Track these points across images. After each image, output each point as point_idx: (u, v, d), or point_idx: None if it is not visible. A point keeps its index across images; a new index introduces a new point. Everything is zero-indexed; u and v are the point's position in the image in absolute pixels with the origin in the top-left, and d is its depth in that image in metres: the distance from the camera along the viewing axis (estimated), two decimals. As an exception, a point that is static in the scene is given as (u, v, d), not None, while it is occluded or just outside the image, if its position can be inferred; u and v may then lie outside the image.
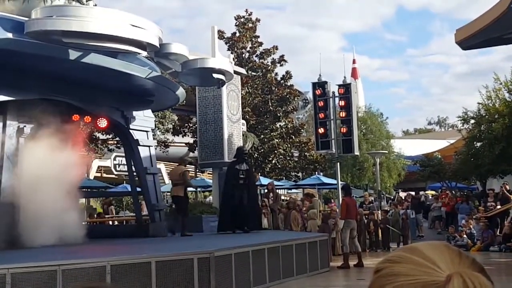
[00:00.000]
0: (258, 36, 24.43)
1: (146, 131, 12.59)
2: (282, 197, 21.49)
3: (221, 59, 13.10)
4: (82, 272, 6.62)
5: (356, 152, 16.91)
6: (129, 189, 16.20)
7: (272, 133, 23.56)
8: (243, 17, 24.39)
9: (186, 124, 24.04)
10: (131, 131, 12.10)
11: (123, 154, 16.49)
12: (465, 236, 15.97)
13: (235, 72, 13.90)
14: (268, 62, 24.29)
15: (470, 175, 23.79)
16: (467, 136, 22.51)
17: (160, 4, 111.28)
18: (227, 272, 7.86)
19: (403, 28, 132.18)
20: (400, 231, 16.71)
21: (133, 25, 8.79)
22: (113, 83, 10.45)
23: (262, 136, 23.06)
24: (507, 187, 17.65)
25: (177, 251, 7.89)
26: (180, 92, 12.46)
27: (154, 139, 15.67)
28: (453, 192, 25.10)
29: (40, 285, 6.33)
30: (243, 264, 8.32)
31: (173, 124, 24.74)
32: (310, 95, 36.04)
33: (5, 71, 9.11)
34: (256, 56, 24.31)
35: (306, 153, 24.49)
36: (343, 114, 15.85)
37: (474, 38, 21.58)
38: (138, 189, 13.00)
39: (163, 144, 24.39)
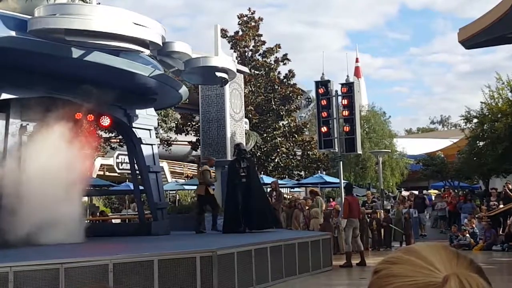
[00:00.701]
0: (261, 35, 24.42)
1: (149, 130, 12.60)
2: (285, 196, 21.48)
3: (224, 58, 13.10)
4: (85, 271, 6.63)
5: (359, 151, 16.88)
6: (132, 187, 16.23)
7: (274, 132, 23.55)
8: (246, 15, 24.38)
9: (189, 123, 24.04)
10: (134, 129, 12.10)
11: (126, 152, 16.53)
12: (467, 235, 15.94)
13: (238, 71, 13.91)
14: (271, 60, 24.28)
15: (473, 174, 23.74)
16: (470, 135, 22.46)
17: (161, 3, 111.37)
18: (229, 271, 7.85)
19: (406, 26, 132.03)
20: (402, 230, 16.69)
21: (136, 24, 8.80)
22: (116, 81, 10.46)
23: (264, 134, 23.05)
24: (510, 186, 17.60)
25: (179, 250, 7.90)
26: (183, 90, 12.46)
27: (157, 137, 15.66)
28: (456, 191, 25.06)
29: (43, 283, 6.34)
30: (246, 263, 8.32)
31: (176, 122, 24.76)
32: (313, 94, 36.05)
33: (8, 69, 9.13)
34: (259, 55, 24.30)
35: (308, 152, 24.47)
36: (346, 113, 15.81)
37: (477, 37, 21.51)
38: (141, 188, 13.01)
39: (166, 142, 24.41)
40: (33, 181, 9.41)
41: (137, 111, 12.14)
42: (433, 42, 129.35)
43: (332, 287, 9.79)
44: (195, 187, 26.81)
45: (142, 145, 12.17)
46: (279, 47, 24.42)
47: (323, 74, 16.54)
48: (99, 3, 17.46)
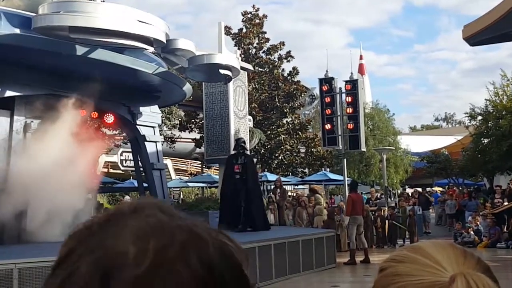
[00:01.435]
0: (265, 32, 24.40)
1: (153, 127, 12.62)
2: (289, 193, 21.49)
3: (228, 55, 13.10)
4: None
5: (363, 149, 16.87)
6: (136, 184, 16.27)
7: (278, 129, 23.54)
8: (250, 13, 24.35)
9: (193, 120, 24.07)
10: (137, 126, 12.12)
11: (130, 150, 16.57)
12: (472, 232, 15.91)
13: (242, 68, 13.89)
14: (275, 58, 24.26)
15: (478, 171, 23.66)
16: (474, 132, 22.39)
17: (165, 0, 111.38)
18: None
19: (410, 23, 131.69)
20: (406, 228, 16.67)
21: (140, 21, 8.80)
22: (120, 78, 10.47)
23: (268, 132, 23.05)
24: (515, 183, 17.56)
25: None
26: (187, 88, 12.47)
27: (160, 134, 15.69)
28: (460, 188, 25.00)
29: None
30: (250, 261, 8.33)
31: (179, 119, 24.79)
32: (316, 91, 36.00)
33: (12, 67, 9.15)
34: (263, 52, 24.28)
35: (312, 149, 24.46)
36: (350, 110, 15.80)
37: (481, 34, 21.43)
38: (145, 185, 13.04)
39: (169, 139, 24.44)
40: (38, 178, 9.44)
41: (141, 109, 12.15)
42: (437, 39, 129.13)
43: (336, 285, 9.79)
44: (199, 185, 26.94)
45: (146, 143, 12.19)
46: (283, 45, 24.40)
47: (327, 71, 16.53)
48: (103, 1, 17.49)
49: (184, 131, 24.51)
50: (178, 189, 28.59)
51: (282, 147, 23.57)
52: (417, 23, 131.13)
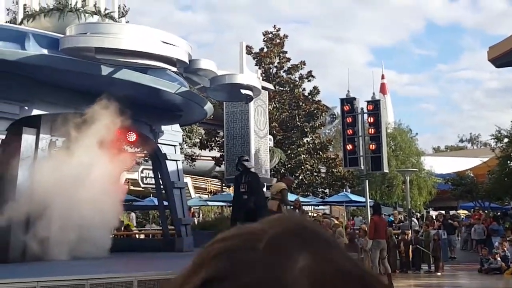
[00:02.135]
0: (286, 52, 24.49)
1: (174, 146, 12.66)
2: (310, 214, 21.28)
3: (249, 75, 13.13)
4: (109, 287, 6.68)
5: (386, 170, 16.66)
6: (156, 202, 16.30)
7: (299, 149, 23.45)
8: (271, 33, 24.51)
9: (213, 138, 24.15)
10: (159, 145, 12.18)
11: (150, 167, 16.64)
12: (498, 258, 15.48)
13: (263, 88, 13.91)
14: (295, 77, 24.30)
15: (504, 195, 23.15)
16: (500, 155, 21.99)
17: (187, 18, 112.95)
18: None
19: (433, 42, 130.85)
20: (430, 252, 16.28)
21: (163, 42, 8.90)
22: (142, 98, 10.57)
23: (289, 151, 22.97)
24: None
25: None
26: (208, 107, 12.52)
27: (181, 153, 15.74)
28: (486, 212, 24.47)
29: (68, 299, 6.40)
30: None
31: (200, 138, 24.90)
32: (337, 110, 35.85)
33: (39, 86, 9.31)
34: (283, 72, 24.35)
35: (333, 169, 24.28)
36: (372, 130, 15.66)
37: (508, 56, 21.15)
38: (165, 203, 13.05)
39: (190, 157, 24.54)
40: (63, 195, 9.57)
41: (163, 127, 12.22)
42: (461, 58, 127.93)
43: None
44: (218, 203, 26.89)
45: (167, 161, 12.23)
46: (304, 64, 24.45)
47: (348, 91, 16.46)
48: (127, 21, 17.78)
49: (204, 149, 24.60)
50: (197, 207, 28.58)
51: (302, 167, 23.44)
52: (440, 42, 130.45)
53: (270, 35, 24.38)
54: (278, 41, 24.24)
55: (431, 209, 30.88)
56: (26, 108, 9.20)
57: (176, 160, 12.58)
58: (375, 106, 15.79)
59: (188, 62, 9.51)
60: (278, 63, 24.31)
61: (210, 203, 26.91)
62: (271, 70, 24.14)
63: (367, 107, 15.95)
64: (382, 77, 43.00)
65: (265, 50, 24.16)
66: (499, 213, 22.75)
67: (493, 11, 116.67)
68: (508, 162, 21.41)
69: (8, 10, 20.21)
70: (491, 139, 22.52)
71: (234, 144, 15.71)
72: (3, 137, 8.72)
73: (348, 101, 16.11)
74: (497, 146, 22.57)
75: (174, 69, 9.69)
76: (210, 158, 25.27)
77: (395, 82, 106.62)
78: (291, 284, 0.46)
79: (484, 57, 22.83)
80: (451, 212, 23.98)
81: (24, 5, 12.03)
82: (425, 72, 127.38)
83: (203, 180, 32.67)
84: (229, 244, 0.50)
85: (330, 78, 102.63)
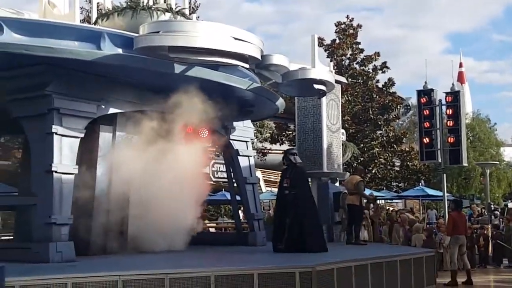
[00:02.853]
0: (359, 43, 23.90)
1: (246, 141, 12.68)
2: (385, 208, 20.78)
3: (322, 69, 12.89)
4: (188, 281, 6.86)
5: (465, 163, 15.97)
6: (227, 196, 16.50)
7: (372, 142, 22.89)
8: (344, 23, 23.99)
9: (284, 133, 24.08)
10: (231, 141, 12.25)
11: (221, 161, 16.82)
12: None
13: (336, 81, 13.62)
14: (369, 69, 23.67)
15: None
16: None
17: (254, 10, 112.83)
18: (329, 288, 7.67)
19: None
20: (512, 248, 15.55)
21: (236, 38, 8.87)
22: (214, 94, 10.64)
23: (362, 145, 22.48)
24: None
25: (278, 264, 7.87)
26: (280, 102, 12.43)
27: (253, 148, 15.80)
28: None
29: (149, 292, 6.59)
30: (346, 280, 8.08)
31: (270, 132, 24.93)
32: (411, 101, 34.68)
33: (116, 85, 9.59)
34: (356, 63, 23.79)
35: (408, 163, 23.52)
36: (450, 123, 15.05)
37: None
38: (237, 198, 13.13)
39: (261, 152, 24.64)
40: (142, 191, 9.87)
41: (234, 123, 12.27)
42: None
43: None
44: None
45: (239, 157, 12.27)
46: (378, 55, 23.75)
47: (425, 82, 15.85)
48: (198, 17, 17.97)
49: (275, 144, 24.60)
50: (268, 201, 28.69)
51: (376, 161, 22.89)
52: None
53: (343, 26, 23.85)
54: (351, 31, 23.68)
55: (509, 201, 29.43)
56: (103, 106, 9.48)
57: (248, 156, 12.60)
58: (454, 97, 15.15)
59: (260, 58, 9.44)
60: (350, 54, 23.76)
61: (281, 197, 26.85)
62: (343, 62, 23.66)
63: (445, 98, 15.32)
64: (460, 65, 41.15)
65: (337, 41, 23.69)
66: None
67: None
68: None
69: (81, 8, 21.08)
70: None
71: (306, 138, 15.57)
72: (82, 135, 9.05)
73: (425, 93, 15.54)
74: None
75: (247, 65, 9.65)
76: (281, 152, 25.23)
77: (473, 69, 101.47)
78: None
79: None
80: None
81: (98, 3, 12.43)
82: (506, 58, 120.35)
83: (274, 174, 32.73)
84: None
85: (403, 66, 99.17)
